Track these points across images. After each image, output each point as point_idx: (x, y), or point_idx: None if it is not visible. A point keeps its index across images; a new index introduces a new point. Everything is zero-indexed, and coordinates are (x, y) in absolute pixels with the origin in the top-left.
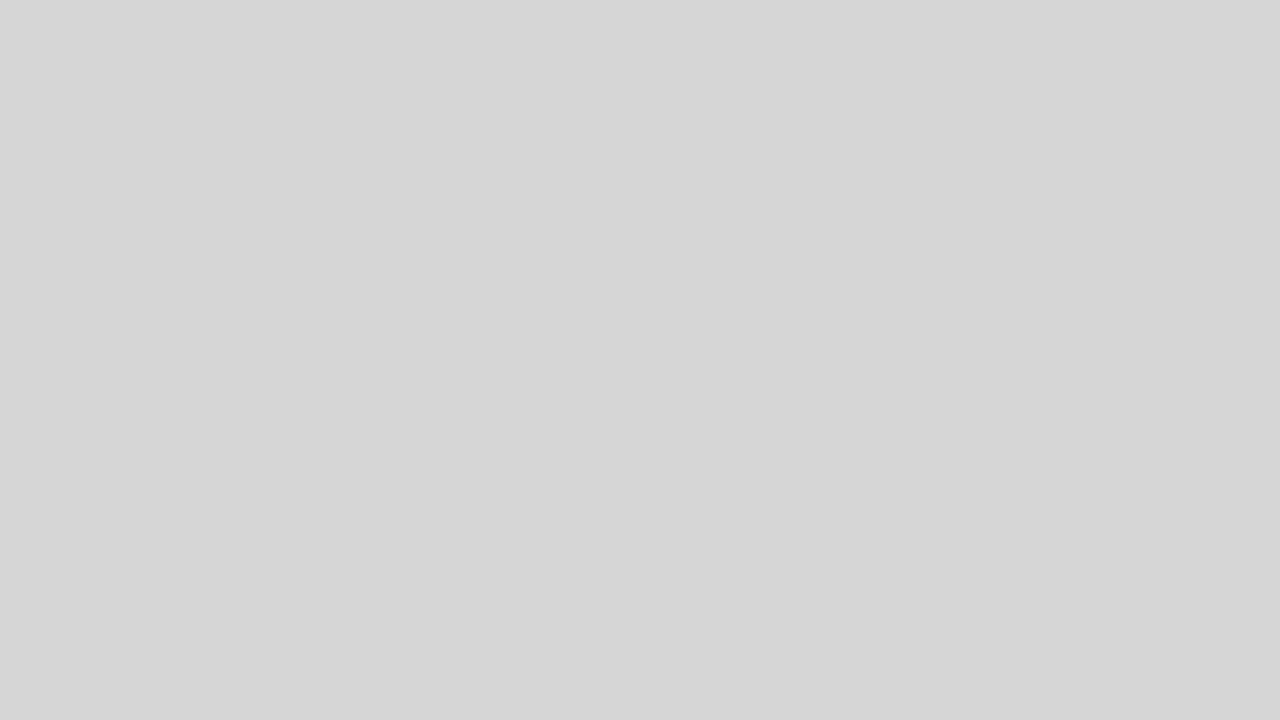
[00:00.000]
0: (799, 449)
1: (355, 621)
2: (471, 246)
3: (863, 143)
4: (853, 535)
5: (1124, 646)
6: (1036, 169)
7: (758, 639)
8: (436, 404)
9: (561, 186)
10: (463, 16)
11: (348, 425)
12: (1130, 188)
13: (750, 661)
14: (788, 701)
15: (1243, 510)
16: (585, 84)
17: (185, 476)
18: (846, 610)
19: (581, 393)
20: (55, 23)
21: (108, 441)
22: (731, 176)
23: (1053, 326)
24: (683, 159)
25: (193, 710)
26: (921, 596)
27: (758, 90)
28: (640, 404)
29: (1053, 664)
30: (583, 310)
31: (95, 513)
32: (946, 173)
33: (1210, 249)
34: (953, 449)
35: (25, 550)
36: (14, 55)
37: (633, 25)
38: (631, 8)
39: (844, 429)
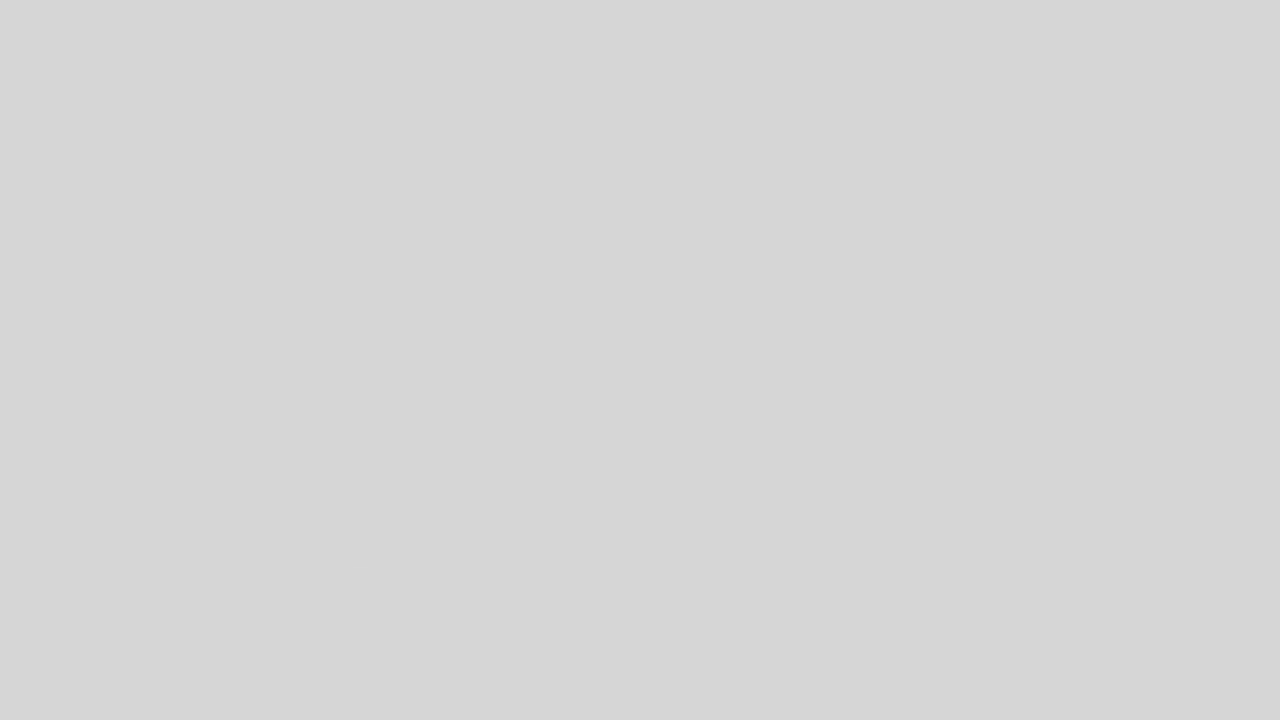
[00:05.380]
0: (799, 450)
1: (355, 621)
2: (471, 246)
3: (863, 143)
4: (853, 536)
5: (1124, 647)
6: (1036, 169)
7: (758, 639)
8: (436, 405)
9: (561, 186)
10: (463, 16)
11: (348, 426)
12: (1130, 188)
13: (750, 661)
14: (788, 701)
15: (1243, 511)
16: (585, 84)
17: (185, 477)
18: (846, 610)
19: (581, 393)
20: (55, 23)
21: (108, 442)
22: (731, 176)
23: (1053, 327)
24: (683, 159)
25: (193, 710)
26: (921, 597)
27: (758, 90)
28: (640, 405)
29: (1053, 664)
30: (583, 311)
31: (95, 513)
32: (946, 173)
33: (1210, 249)
34: (953, 450)
35: (25, 550)
36: (14, 55)
37: (633, 25)
38: (632, 8)
39: (844, 430)
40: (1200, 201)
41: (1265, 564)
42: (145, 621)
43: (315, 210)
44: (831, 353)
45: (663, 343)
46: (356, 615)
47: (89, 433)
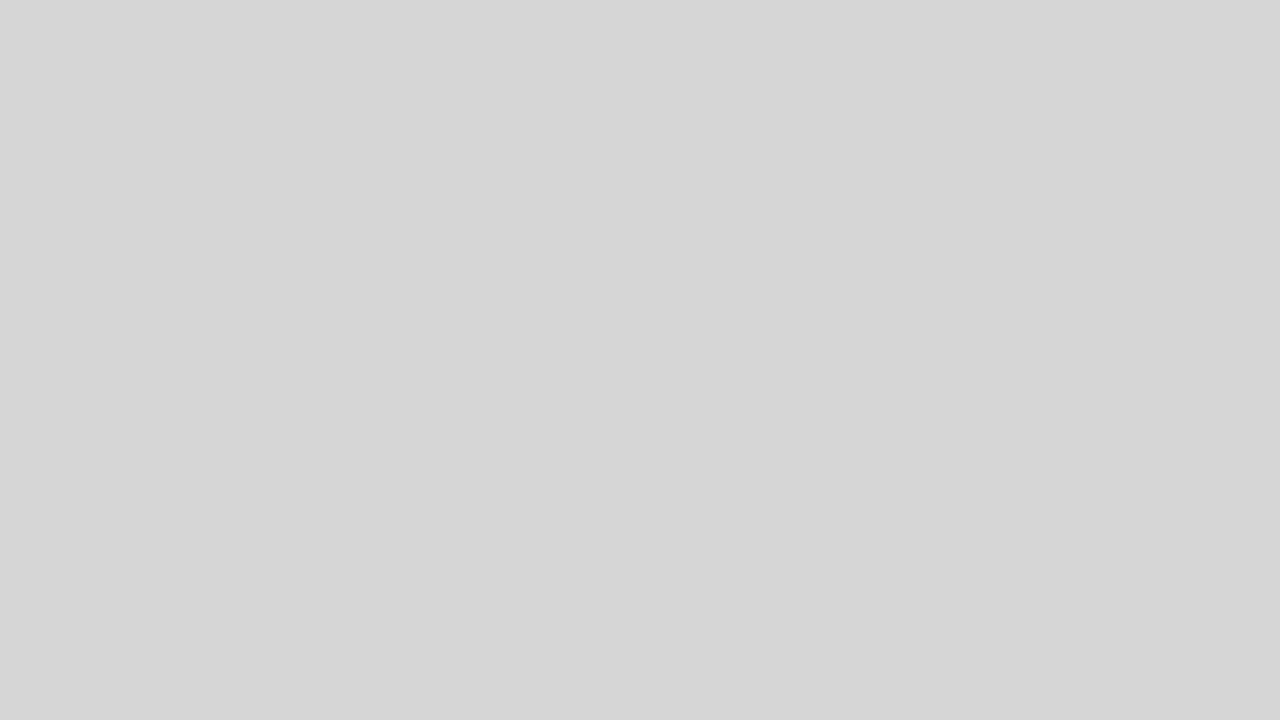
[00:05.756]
0: (799, 450)
1: (355, 622)
2: (471, 246)
3: (863, 143)
4: (853, 537)
5: (1124, 647)
6: (1036, 169)
7: (758, 639)
8: (436, 405)
9: (561, 186)
10: (463, 16)
11: (348, 426)
12: (1130, 188)
13: (750, 661)
14: (788, 701)
15: (1243, 511)
16: (585, 84)
17: (185, 477)
18: (846, 610)
19: (581, 394)
20: (55, 23)
21: (108, 442)
22: (731, 176)
23: (1053, 327)
24: (683, 159)
25: (193, 710)
26: (921, 597)
27: (758, 90)
28: (640, 405)
29: (1053, 664)
30: (583, 311)
31: (95, 513)
32: (946, 173)
33: (1210, 249)
34: (953, 450)
35: (25, 550)
36: (14, 55)
37: (633, 25)
38: (631, 8)
39: (844, 430)
40: (1200, 201)
41: (1265, 564)
42: (145, 621)
43: (315, 210)
44: (831, 354)
45: (662, 344)
46: (357, 616)
47: (89, 433)
